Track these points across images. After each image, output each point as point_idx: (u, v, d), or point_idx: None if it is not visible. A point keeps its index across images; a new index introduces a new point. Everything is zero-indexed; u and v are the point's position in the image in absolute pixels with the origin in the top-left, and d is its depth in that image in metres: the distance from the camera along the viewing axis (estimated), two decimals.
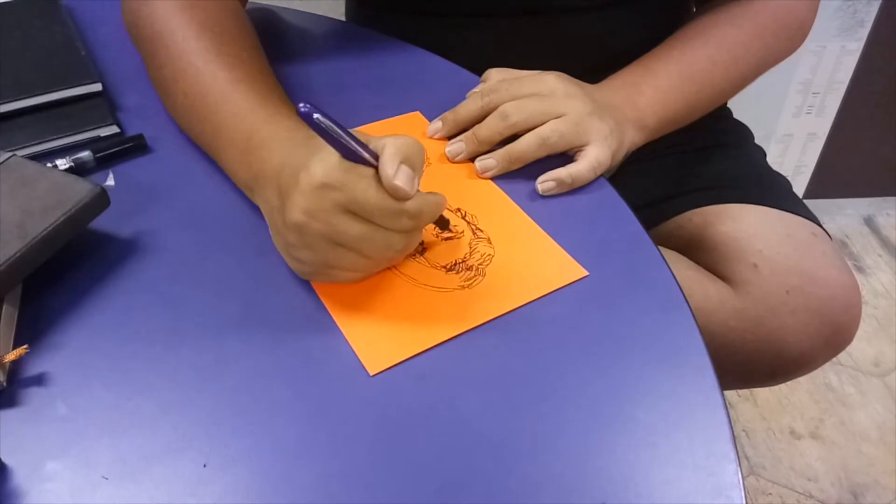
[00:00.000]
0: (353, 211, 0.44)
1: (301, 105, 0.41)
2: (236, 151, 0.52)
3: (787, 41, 0.71)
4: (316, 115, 0.41)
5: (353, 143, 0.43)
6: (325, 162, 0.43)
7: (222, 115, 0.53)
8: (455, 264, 0.51)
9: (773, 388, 1.34)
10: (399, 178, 0.43)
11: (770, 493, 1.19)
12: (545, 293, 0.49)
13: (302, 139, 0.48)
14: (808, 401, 1.32)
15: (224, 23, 0.59)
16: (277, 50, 0.73)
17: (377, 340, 0.46)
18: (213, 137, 0.54)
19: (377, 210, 0.44)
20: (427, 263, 0.51)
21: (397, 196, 0.44)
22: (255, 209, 0.53)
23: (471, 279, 0.50)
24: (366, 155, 0.43)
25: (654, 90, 0.64)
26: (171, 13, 0.58)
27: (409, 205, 0.45)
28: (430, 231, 0.54)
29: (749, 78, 0.70)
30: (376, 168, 0.44)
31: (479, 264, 0.51)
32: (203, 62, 0.55)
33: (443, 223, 0.52)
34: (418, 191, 0.45)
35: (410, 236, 0.48)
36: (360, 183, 0.43)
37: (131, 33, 0.63)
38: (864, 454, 1.24)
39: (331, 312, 0.48)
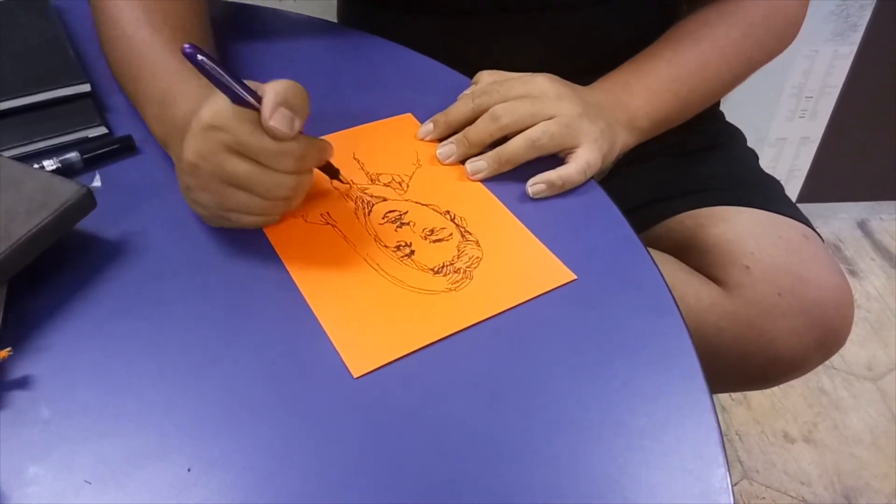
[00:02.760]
0: (239, 151, 0.46)
1: (186, 46, 0.44)
2: (153, 108, 0.55)
3: (778, 39, 0.71)
4: (200, 57, 0.44)
5: (237, 86, 0.45)
6: (213, 105, 0.46)
7: (144, 75, 0.57)
8: (442, 267, 0.51)
9: (766, 391, 1.34)
10: (275, 119, 0.45)
11: (763, 497, 1.19)
12: (532, 296, 0.49)
13: (209, 93, 0.49)
14: (802, 404, 1.32)
15: (167, 3, 0.61)
16: (269, 52, 0.73)
17: (362, 342, 0.46)
18: (135, 95, 0.58)
19: (260, 150, 0.46)
20: (414, 266, 0.51)
21: (274, 136, 0.46)
22: None
23: (458, 282, 0.50)
24: (250, 99, 0.46)
25: (646, 91, 0.64)
26: None
27: (291, 145, 0.47)
28: (418, 233, 0.53)
29: (740, 77, 0.70)
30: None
31: (466, 267, 0.51)
32: (132, 29, 0.59)
33: (331, 171, 0.55)
34: (303, 134, 0.48)
35: (300, 178, 0.49)
36: (244, 125, 0.46)
37: (93, 15, 0.66)
38: (857, 458, 1.24)
39: (316, 314, 0.47)
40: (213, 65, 0.44)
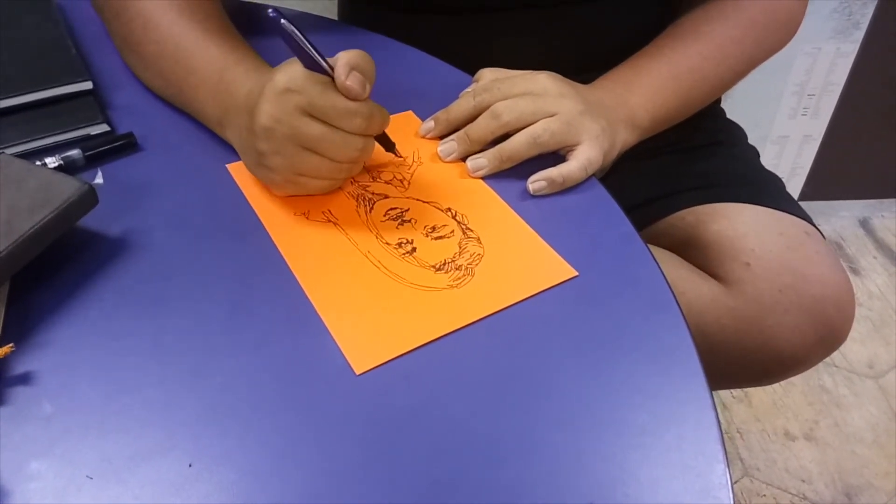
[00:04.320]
0: (312, 114, 0.49)
1: (270, 9, 0.47)
2: (207, 91, 0.57)
3: (777, 36, 0.71)
4: (283, 21, 0.47)
5: (314, 52, 0.48)
6: (287, 71, 0.49)
7: (195, 58, 0.58)
8: (444, 264, 0.51)
9: (767, 389, 1.34)
10: (351, 79, 0.48)
11: (764, 495, 1.19)
12: (534, 293, 0.49)
13: (267, 72, 0.53)
14: (803, 402, 1.32)
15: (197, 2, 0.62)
16: (270, 49, 0.73)
17: (364, 339, 0.46)
18: (184, 79, 0.59)
19: (332, 110, 0.49)
20: (416, 263, 0.51)
21: (349, 95, 0.49)
22: (246, 207, 0.53)
23: (460, 279, 0.50)
24: (324, 64, 0.48)
25: (646, 89, 0.64)
26: None
27: (360, 106, 0.49)
28: (420, 230, 0.54)
29: (741, 73, 0.70)
30: (333, 78, 0.49)
31: (468, 264, 0.51)
32: (173, 15, 0.60)
33: (387, 143, 0.57)
34: (370, 100, 0.51)
35: (366, 140, 0.52)
36: (317, 87, 0.48)
37: (97, 5, 0.66)
38: (858, 456, 1.24)
39: (318, 311, 0.48)
40: (293, 28, 0.47)
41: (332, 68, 0.49)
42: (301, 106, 0.48)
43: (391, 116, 0.63)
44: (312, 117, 0.49)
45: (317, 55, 0.48)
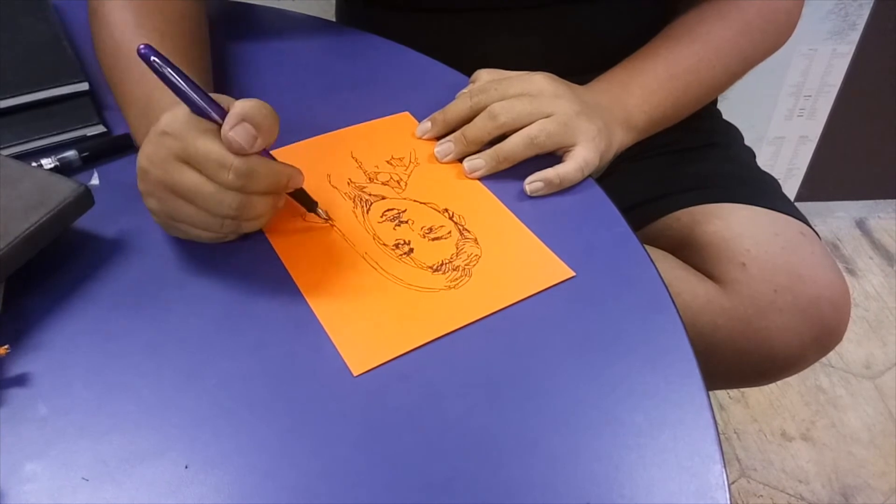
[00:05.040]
0: (186, 160, 0.45)
1: (141, 45, 0.44)
2: (137, 112, 0.55)
3: (773, 37, 0.71)
4: (153, 58, 0.44)
5: (193, 93, 0.45)
6: (171, 113, 0.46)
7: (128, 79, 0.56)
8: (441, 265, 0.51)
9: (764, 390, 1.34)
10: (236, 130, 0.44)
11: (761, 496, 1.19)
12: (531, 294, 0.49)
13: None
14: (799, 403, 1.32)
15: (160, 3, 0.61)
16: (267, 50, 0.73)
17: (362, 341, 0.46)
18: (121, 98, 0.58)
19: (205, 160, 0.45)
20: (413, 264, 0.51)
21: (231, 148, 0.45)
22: None
23: (457, 279, 0.50)
24: (210, 111, 0.45)
25: (642, 90, 0.64)
26: None
27: (238, 160, 0.45)
28: (417, 231, 0.54)
29: (737, 74, 0.70)
30: (220, 125, 0.45)
31: (465, 265, 0.51)
32: (121, 32, 0.59)
33: (306, 202, 0.52)
34: (269, 156, 0.48)
35: (250, 200, 0.47)
36: (194, 133, 0.45)
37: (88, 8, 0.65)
38: (854, 456, 1.24)
39: (315, 312, 0.47)
40: (169, 69, 0.44)
41: (223, 115, 0.45)
42: (175, 152, 0.45)
43: (388, 118, 0.64)
44: (188, 165, 0.46)
45: (198, 98, 0.45)
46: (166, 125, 0.46)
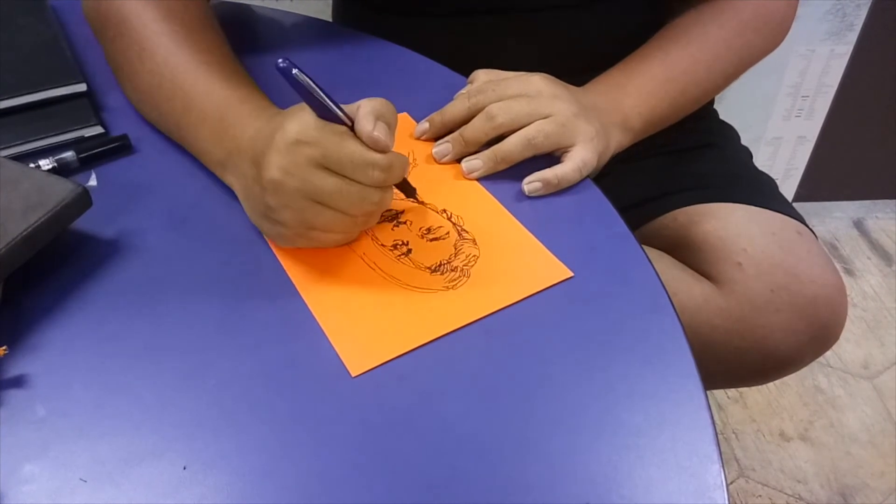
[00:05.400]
0: (326, 166, 0.45)
1: (280, 60, 0.43)
2: (208, 129, 0.53)
3: (768, 38, 0.71)
4: (295, 71, 0.43)
5: (328, 100, 0.45)
6: (299, 120, 0.46)
7: (194, 93, 0.54)
8: (440, 265, 0.51)
9: (762, 390, 1.34)
10: (378, 129, 0.45)
11: (759, 496, 1.19)
12: (530, 294, 0.49)
13: (274, 115, 0.50)
14: (798, 403, 1.33)
15: (190, 11, 0.60)
16: (264, 51, 0.73)
17: (360, 341, 0.46)
18: (183, 115, 0.55)
19: (350, 163, 0.45)
20: (412, 264, 0.51)
21: (377, 147, 0.46)
22: (240, 210, 0.53)
23: (455, 280, 0.50)
24: (340, 113, 0.45)
25: (639, 92, 0.64)
26: (137, 6, 0.58)
27: (380, 157, 0.46)
28: (415, 232, 0.54)
29: (733, 76, 0.70)
30: (350, 127, 0.46)
31: (463, 265, 0.51)
32: (174, 44, 0.56)
33: (408, 189, 0.54)
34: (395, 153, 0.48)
35: (384, 192, 0.48)
36: (333, 137, 0.45)
37: (91, 18, 0.63)
38: (853, 456, 1.24)
39: (314, 313, 0.47)
40: (307, 78, 0.44)
41: (349, 116, 0.46)
42: (314, 158, 0.45)
43: None
44: (326, 170, 0.46)
45: (333, 105, 0.45)
46: (299, 133, 0.45)
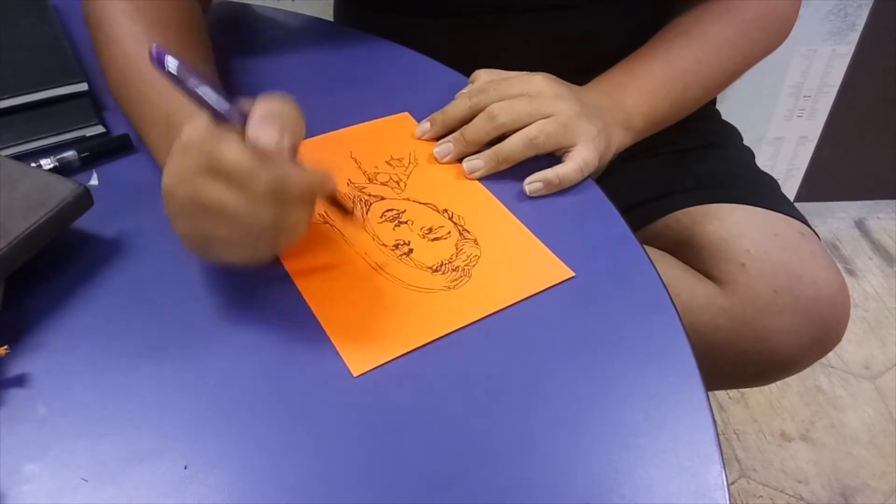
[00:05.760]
0: (214, 171, 0.41)
1: (154, 46, 0.39)
2: (157, 132, 0.52)
3: (771, 36, 0.71)
4: (168, 57, 0.39)
5: (214, 97, 0.40)
6: (191, 123, 0.42)
7: (146, 98, 0.53)
8: (441, 265, 0.51)
9: (763, 390, 1.34)
10: (261, 128, 0.40)
11: (761, 496, 1.19)
12: (531, 294, 0.49)
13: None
14: (799, 403, 1.32)
15: (164, 11, 0.58)
16: (265, 50, 0.73)
17: (361, 341, 0.46)
18: (139, 118, 0.55)
19: (234, 169, 0.40)
20: (413, 264, 0.51)
21: (257, 147, 0.40)
22: None
23: (456, 280, 0.50)
24: (232, 115, 0.41)
25: (641, 91, 0.64)
26: (116, 6, 0.58)
27: (268, 168, 0.40)
28: (416, 232, 0.54)
29: (735, 75, 0.70)
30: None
31: (465, 265, 0.51)
32: (133, 47, 0.55)
33: (342, 209, 0.48)
34: (299, 163, 0.42)
35: (285, 211, 0.42)
36: (221, 142, 0.41)
37: (87, 22, 0.62)
38: (854, 456, 1.24)
39: (315, 313, 0.47)
40: (185, 69, 0.39)
41: (245, 119, 0.41)
42: (200, 164, 0.41)
43: (387, 118, 0.64)
44: (214, 177, 0.41)
45: (217, 103, 0.40)
46: (187, 137, 0.42)
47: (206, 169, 0.41)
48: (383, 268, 0.51)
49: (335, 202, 0.48)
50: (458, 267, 0.51)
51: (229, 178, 0.41)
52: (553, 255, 0.52)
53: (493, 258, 0.52)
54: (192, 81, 0.40)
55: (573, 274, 0.51)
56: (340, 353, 0.45)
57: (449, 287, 0.50)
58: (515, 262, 0.52)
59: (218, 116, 0.41)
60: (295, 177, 0.41)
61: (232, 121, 0.41)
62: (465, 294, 0.49)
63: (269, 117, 0.41)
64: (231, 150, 0.40)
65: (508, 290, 0.49)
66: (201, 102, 0.41)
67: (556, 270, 0.51)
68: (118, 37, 0.57)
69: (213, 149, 0.41)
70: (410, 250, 0.52)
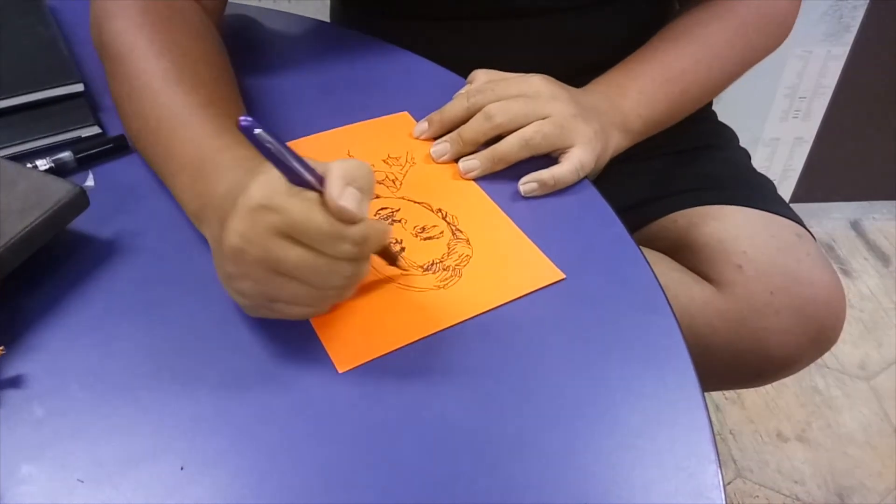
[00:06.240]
0: (292, 235, 0.40)
1: (242, 119, 0.38)
2: (186, 178, 0.50)
3: (770, 38, 0.71)
4: (257, 130, 0.39)
5: (296, 163, 0.40)
6: (265, 184, 0.41)
7: (175, 140, 0.51)
8: (432, 264, 0.51)
9: (760, 391, 1.34)
10: (345, 198, 0.40)
11: (757, 496, 1.19)
12: (519, 296, 0.49)
13: (251, 168, 0.44)
14: (795, 404, 1.33)
15: (188, 43, 0.56)
16: (263, 52, 0.73)
17: (349, 339, 0.46)
18: (165, 162, 0.52)
19: (318, 234, 0.40)
20: (404, 263, 0.51)
21: (343, 218, 0.40)
22: None
23: (447, 280, 0.50)
24: (310, 178, 0.40)
25: (638, 93, 0.64)
26: (134, 32, 0.55)
27: (353, 229, 0.41)
28: (409, 231, 0.54)
29: (733, 76, 0.70)
30: (321, 193, 0.41)
31: (456, 265, 0.51)
32: (160, 84, 0.53)
33: (389, 256, 0.49)
34: (370, 221, 0.42)
35: (358, 265, 0.43)
36: (300, 205, 0.40)
37: (95, 45, 0.60)
38: (850, 456, 1.24)
39: None
40: (273, 141, 0.39)
41: (321, 180, 0.40)
42: (277, 227, 0.40)
43: (387, 117, 0.64)
44: (291, 239, 0.41)
45: (301, 167, 0.40)
46: (263, 198, 0.40)
47: (286, 231, 0.40)
48: (374, 265, 0.51)
49: (386, 251, 0.49)
50: (449, 266, 0.51)
51: (313, 240, 0.41)
52: (545, 256, 0.52)
53: (484, 258, 0.52)
54: (279, 151, 0.39)
55: (564, 276, 0.51)
56: (327, 349, 0.45)
57: (439, 286, 0.50)
58: (506, 262, 0.52)
59: (296, 180, 0.40)
60: (372, 234, 0.42)
61: (310, 184, 0.41)
62: (454, 294, 0.49)
63: (348, 181, 0.40)
64: (315, 215, 0.40)
65: (497, 291, 0.49)
66: (282, 167, 0.40)
67: (547, 272, 0.51)
68: (142, 70, 0.54)
69: (296, 211, 0.40)
70: (402, 249, 0.52)
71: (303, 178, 0.40)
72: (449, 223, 0.54)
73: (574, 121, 0.58)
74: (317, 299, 0.44)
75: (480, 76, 0.64)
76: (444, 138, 0.60)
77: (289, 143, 0.40)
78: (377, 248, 0.45)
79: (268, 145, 0.39)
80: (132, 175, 0.57)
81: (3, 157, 0.52)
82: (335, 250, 0.41)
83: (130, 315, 0.47)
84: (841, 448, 1.25)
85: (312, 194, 0.41)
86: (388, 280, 0.50)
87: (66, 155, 0.57)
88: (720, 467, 0.41)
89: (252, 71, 0.69)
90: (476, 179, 0.58)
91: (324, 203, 0.40)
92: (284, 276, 0.42)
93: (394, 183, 0.58)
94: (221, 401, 0.43)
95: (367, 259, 0.44)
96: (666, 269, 0.67)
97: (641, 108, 0.64)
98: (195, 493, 0.39)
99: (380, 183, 0.58)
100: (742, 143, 0.84)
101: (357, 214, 0.40)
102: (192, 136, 0.50)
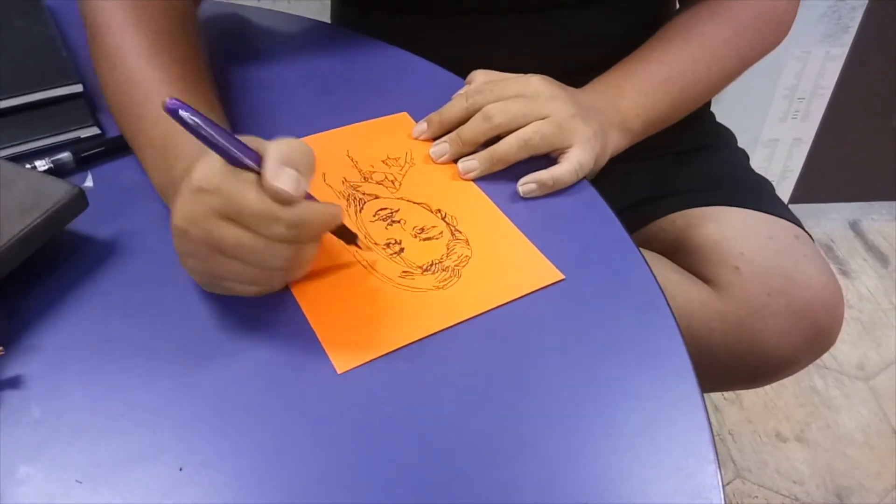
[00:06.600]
0: (229, 216, 0.42)
1: (169, 101, 0.39)
2: (154, 154, 0.51)
3: (769, 37, 0.71)
4: (182, 112, 0.39)
5: (229, 145, 0.40)
6: (205, 165, 0.42)
7: (145, 115, 0.52)
8: (431, 265, 0.51)
9: (758, 391, 1.34)
10: (280, 179, 0.40)
11: (756, 497, 1.19)
12: (518, 296, 0.49)
13: (208, 149, 0.45)
14: (794, 404, 1.33)
15: (165, 22, 0.57)
16: (262, 53, 0.73)
17: (348, 339, 0.46)
18: (135, 137, 0.54)
19: (251, 215, 0.41)
20: (403, 264, 0.51)
21: (279, 199, 0.41)
22: None
23: (446, 280, 0.50)
24: (246, 159, 0.41)
25: (637, 93, 0.64)
26: (114, 8, 0.57)
27: (287, 211, 0.41)
28: (408, 231, 0.54)
29: (732, 75, 0.70)
30: (259, 174, 0.41)
31: (455, 265, 0.51)
32: (135, 58, 0.54)
33: (347, 236, 0.49)
34: (310, 198, 0.43)
35: (300, 248, 0.44)
36: (236, 186, 0.41)
37: (85, 22, 0.61)
38: (849, 457, 1.24)
39: (304, 311, 0.47)
40: (201, 123, 0.40)
41: (259, 161, 0.41)
42: (215, 208, 0.41)
43: (386, 118, 0.64)
44: (231, 221, 0.42)
45: (235, 151, 0.40)
46: (202, 180, 0.41)
47: (223, 212, 0.41)
48: (374, 266, 0.51)
49: (340, 231, 0.49)
50: (448, 267, 0.51)
51: (248, 221, 0.42)
52: (544, 257, 0.52)
53: (483, 259, 0.52)
54: (206, 131, 0.40)
55: (563, 277, 0.51)
56: (326, 350, 0.45)
57: (437, 287, 0.50)
58: (505, 263, 0.52)
59: (232, 161, 0.41)
60: (310, 216, 0.43)
61: (246, 164, 0.41)
62: (452, 294, 0.49)
63: (285, 161, 0.41)
64: (250, 195, 0.41)
65: (495, 291, 0.49)
66: (216, 149, 0.41)
67: (546, 273, 0.51)
68: (119, 48, 0.55)
69: (231, 193, 0.41)
70: (402, 249, 0.52)
71: (240, 159, 0.41)
72: (448, 224, 0.54)
73: (573, 121, 0.58)
74: (262, 278, 0.45)
75: (479, 76, 0.64)
76: (443, 139, 0.60)
77: None
78: (320, 231, 0.45)
79: (195, 127, 0.40)
80: (131, 176, 0.57)
81: (1, 157, 0.52)
82: (269, 231, 0.42)
83: (129, 316, 0.47)
84: (840, 448, 1.26)
85: (250, 175, 0.41)
86: (388, 280, 0.50)
87: (65, 155, 0.57)
88: (719, 467, 0.41)
89: (252, 71, 0.69)
90: (475, 180, 0.58)
91: (260, 184, 0.41)
92: (228, 256, 0.43)
93: (393, 183, 0.58)
94: (220, 401, 0.43)
95: (310, 240, 0.45)
96: (664, 269, 0.67)
97: (640, 108, 0.64)
98: (193, 494, 0.39)
99: (379, 184, 0.58)
100: (741, 144, 0.84)
101: (293, 196, 0.41)
102: (159, 112, 0.50)
